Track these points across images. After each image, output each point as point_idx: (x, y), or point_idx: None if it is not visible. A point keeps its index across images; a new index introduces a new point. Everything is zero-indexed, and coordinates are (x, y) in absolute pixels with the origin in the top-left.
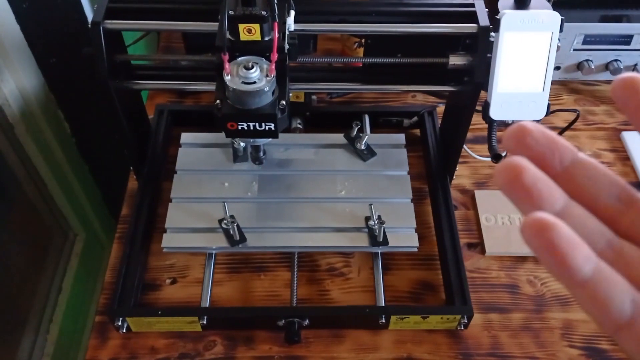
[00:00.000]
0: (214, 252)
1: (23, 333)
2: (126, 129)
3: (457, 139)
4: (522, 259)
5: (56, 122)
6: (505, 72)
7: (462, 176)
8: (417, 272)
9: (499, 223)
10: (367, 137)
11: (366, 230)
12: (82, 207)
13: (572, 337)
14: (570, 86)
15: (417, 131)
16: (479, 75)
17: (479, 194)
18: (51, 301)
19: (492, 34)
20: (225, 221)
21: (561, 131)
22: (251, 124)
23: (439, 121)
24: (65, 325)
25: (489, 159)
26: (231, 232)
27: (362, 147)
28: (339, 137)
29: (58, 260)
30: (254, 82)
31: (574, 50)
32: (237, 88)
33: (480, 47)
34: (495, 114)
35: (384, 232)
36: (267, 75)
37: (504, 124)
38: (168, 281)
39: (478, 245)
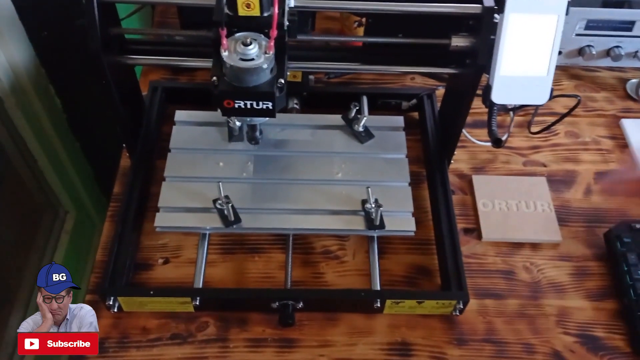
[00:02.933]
0: (207, 232)
1: (11, 311)
2: (119, 106)
3: (456, 122)
4: (519, 245)
5: (47, 97)
6: (509, 54)
7: (460, 161)
8: (413, 256)
9: (496, 208)
10: (365, 118)
11: (362, 213)
12: (73, 184)
13: (567, 324)
14: (570, 72)
15: (416, 114)
16: (481, 57)
17: (476, 179)
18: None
19: (497, 15)
20: (219, 201)
21: (561, 117)
22: (248, 102)
23: (438, 104)
24: None
25: (488, 144)
26: (225, 212)
27: (360, 128)
28: (336, 119)
29: (48, 238)
30: (252, 59)
31: (576, 35)
32: (235, 65)
33: (484, 29)
34: (497, 97)
35: (381, 216)
36: (265, 52)
37: (504, 109)
38: (160, 261)
39: (475, 231)
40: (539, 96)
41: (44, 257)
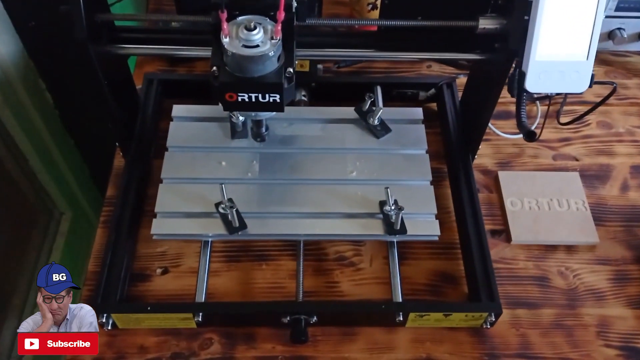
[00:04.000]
0: (210, 239)
1: (5, 318)
2: (110, 101)
3: (482, 114)
4: (552, 248)
5: (37, 92)
6: (546, 37)
7: (483, 155)
8: (436, 262)
9: (526, 208)
10: (381, 111)
11: (380, 216)
12: (68, 184)
13: (609, 336)
14: (599, 57)
15: (434, 105)
16: (513, 41)
17: (503, 175)
18: (35, 284)
19: None
20: (222, 205)
21: (595, 106)
22: (253, 95)
23: (460, 94)
24: None
25: (514, 137)
26: (229, 217)
27: (375, 122)
28: (349, 111)
29: (43, 240)
30: (257, 46)
31: (606, 17)
32: (237, 52)
33: (517, 8)
34: (532, 85)
35: (402, 220)
36: (271, 38)
37: (530, 98)
38: (159, 271)
39: (503, 233)
40: (578, 84)
41: (38, 261)
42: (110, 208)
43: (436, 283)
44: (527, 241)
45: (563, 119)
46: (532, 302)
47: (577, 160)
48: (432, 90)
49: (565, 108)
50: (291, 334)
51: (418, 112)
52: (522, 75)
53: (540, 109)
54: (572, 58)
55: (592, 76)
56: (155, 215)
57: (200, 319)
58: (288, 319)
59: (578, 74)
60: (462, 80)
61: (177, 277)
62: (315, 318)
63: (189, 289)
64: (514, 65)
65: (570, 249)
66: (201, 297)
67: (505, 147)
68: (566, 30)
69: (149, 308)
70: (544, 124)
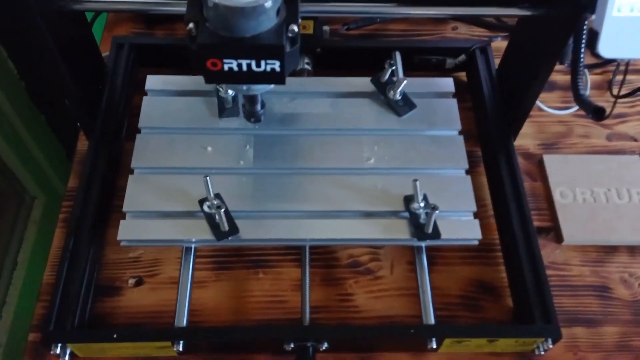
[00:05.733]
0: (193, 245)
1: None
2: (62, 69)
3: (528, 87)
4: (612, 250)
5: None
6: None
7: (523, 135)
8: (471, 268)
9: (579, 200)
10: (404, 82)
11: (406, 214)
12: (39, 165)
13: None
14: None
15: (463, 75)
16: None
17: (549, 160)
18: (4, 279)
19: None
20: (208, 203)
21: None
22: (244, 62)
23: (495, 61)
24: (21, 307)
25: (561, 112)
26: (217, 219)
27: (397, 96)
28: (364, 83)
29: (12, 229)
30: None
31: None
32: (222, 2)
33: None
34: (606, 48)
35: (435, 221)
36: None
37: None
38: (131, 282)
39: (551, 231)
40: None
41: (7, 252)
42: (71, 203)
43: (473, 295)
44: (581, 241)
45: (616, 91)
46: (590, 319)
47: (635, 140)
48: (462, 57)
49: (618, 77)
50: None
51: (448, 84)
52: (595, 36)
53: (590, 78)
54: None
55: None
56: (123, 215)
57: (181, 349)
58: (292, 345)
59: None
60: (497, 44)
61: (154, 289)
62: (325, 345)
63: (168, 304)
64: None
65: (634, 250)
66: (182, 320)
67: (549, 124)
68: None
69: (115, 336)
70: (615, 100)
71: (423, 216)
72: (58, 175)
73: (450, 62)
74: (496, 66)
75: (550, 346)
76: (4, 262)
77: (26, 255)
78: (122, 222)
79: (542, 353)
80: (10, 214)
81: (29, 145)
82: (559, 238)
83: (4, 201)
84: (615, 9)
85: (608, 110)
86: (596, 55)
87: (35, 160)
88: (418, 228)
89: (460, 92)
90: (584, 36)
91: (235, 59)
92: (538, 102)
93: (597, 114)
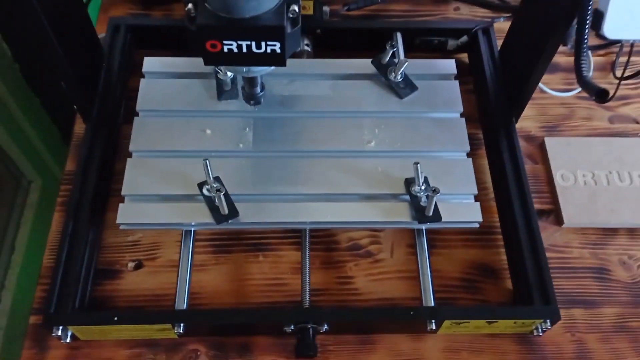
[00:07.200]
0: (192, 229)
1: None
2: (58, 51)
3: (531, 68)
4: (612, 232)
5: None
6: None
7: (525, 118)
8: (471, 250)
9: (580, 182)
10: (406, 64)
11: (407, 197)
12: (35, 149)
13: None
14: None
15: (464, 56)
16: None
17: (550, 143)
18: (2, 263)
19: None
20: (207, 186)
21: None
22: (244, 43)
23: (498, 43)
24: (20, 291)
25: (563, 94)
26: (216, 202)
27: (398, 78)
28: (365, 64)
29: (9, 213)
30: None
31: None
32: None
33: None
34: (611, 30)
35: (435, 204)
36: None
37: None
38: (131, 265)
39: (552, 214)
40: None
41: (5, 237)
42: (69, 186)
43: (472, 277)
44: (582, 224)
45: (619, 73)
46: (589, 300)
47: (637, 122)
48: (464, 38)
49: (621, 59)
50: (296, 348)
51: (450, 65)
52: (600, 17)
53: (592, 60)
54: None
55: None
56: (122, 199)
57: (181, 331)
58: (292, 327)
59: None
60: (499, 25)
61: (154, 272)
62: (325, 326)
63: (168, 287)
64: None
65: (633, 232)
66: (182, 303)
67: (552, 107)
68: None
69: (115, 318)
70: (619, 82)
71: (424, 199)
72: (54, 159)
73: (452, 43)
74: (499, 48)
75: (549, 327)
76: (2, 246)
77: (24, 240)
78: (120, 205)
79: (541, 334)
80: (7, 198)
81: (25, 129)
82: (559, 221)
83: (1, 185)
84: None
85: (611, 93)
86: (600, 36)
87: (32, 144)
88: (419, 211)
89: (462, 74)
90: (588, 17)
91: (235, 40)
92: (540, 84)
93: (601, 96)
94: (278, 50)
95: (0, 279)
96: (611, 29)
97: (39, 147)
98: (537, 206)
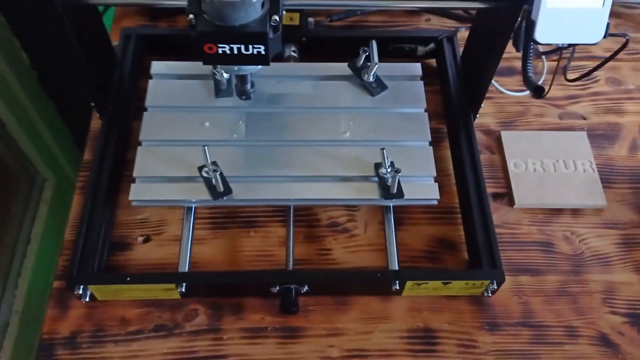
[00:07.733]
0: (193, 205)
1: None
2: (80, 57)
3: (485, 69)
4: (557, 212)
5: (11, 51)
6: None
7: (485, 114)
8: (434, 227)
9: (530, 170)
10: (376, 66)
11: (376, 179)
12: (49, 149)
13: (615, 302)
14: None
15: (433, 61)
16: None
17: (506, 136)
18: (19, 253)
19: None
20: (206, 169)
21: (604, 61)
22: (235, 46)
23: (460, 49)
24: (35, 279)
25: (519, 94)
26: (213, 182)
27: (371, 78)
28: (342, 67)
29: (25, 208)
30: None
31: None
32: None
33: None
34: (542, 35)
35: (399, 183)
36: None
37: (535, 52)
38: (140, 239)
39: (505, 196)
40: (592, 34)
41: (21, 231)
42: (87, 173)
43: (435, 249)
44: (531, 205)
45: (570, 75)
46: (535, 269)
47: (584, 119)
48: (432, 45)
49: (572, 64)
50: (280, 304)
51: (416, 68)
52: (532, 25)
53: (547, 65)
54: (587, 5)
55: (608, 25)
56: (133, 180)
57: (183, 290)
58: (277, 288)
59: (592, 23)
60: (463, 34)
61: (160, 245)
62: (306, 287)
63: (172, 258)
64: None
65: (576, 212)
66: (184, 267)
67: (508, 105)
68: None
69: (128, 279)
70: (553, 79)
71: (390, 180)
72: (67, 159)
73: (421, 49)
74: (460, 53)
75: (496, 287)
76: (19, 237)
77: (38, 232)
78: (132, 185)
79: (490, 295)
80: (24, 193)
81: (41, 130)
82: (511, 202)
83: (17, 183)
84: (549, 2)
85: (547, 90)
86: (534, 41)
87: (46, 145)
88: (385, 189)
89: (431, 77)
90: (523, 26)
91: (228, 44)
92: (498, 86)
93: (537, 91)
94: (262, 52)
95: (17, 267)
96: (542, 35)
97: (53, 147)
98: (492, 190)
